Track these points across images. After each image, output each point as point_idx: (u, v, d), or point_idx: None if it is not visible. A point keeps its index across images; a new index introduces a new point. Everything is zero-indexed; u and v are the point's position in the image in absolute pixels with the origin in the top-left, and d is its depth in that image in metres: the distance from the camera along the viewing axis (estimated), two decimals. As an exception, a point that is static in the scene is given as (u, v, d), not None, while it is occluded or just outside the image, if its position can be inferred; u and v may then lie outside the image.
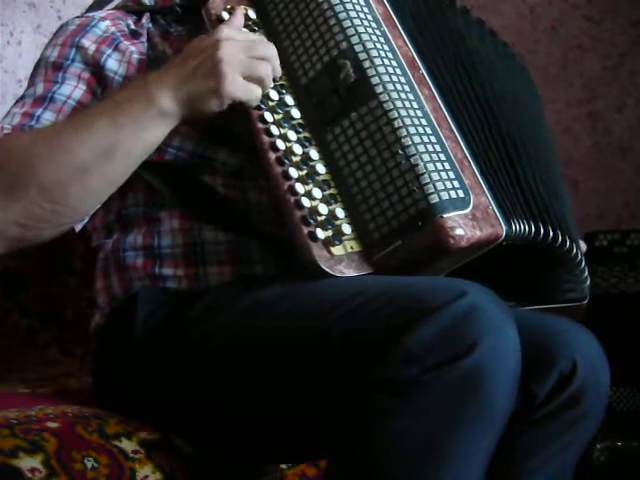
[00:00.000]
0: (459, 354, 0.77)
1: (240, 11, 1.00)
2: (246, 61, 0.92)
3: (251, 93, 0.93)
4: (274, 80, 0.97)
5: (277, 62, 0.96)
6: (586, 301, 1.10)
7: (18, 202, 0.89)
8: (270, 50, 0.95)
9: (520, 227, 0.95)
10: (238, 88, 0.91)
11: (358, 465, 0.79)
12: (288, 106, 0.97)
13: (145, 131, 0.91)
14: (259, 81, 0.93)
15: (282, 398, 0.90)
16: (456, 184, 0.91)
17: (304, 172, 0.93)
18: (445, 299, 0.79)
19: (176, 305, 0.99)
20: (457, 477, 0.78)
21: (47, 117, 0.99)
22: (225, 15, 1.00)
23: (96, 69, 1.03)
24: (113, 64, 1.04)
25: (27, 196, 0.88)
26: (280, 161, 0.93)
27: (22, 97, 1.04)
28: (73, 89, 1.02)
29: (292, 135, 0.95)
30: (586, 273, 1.07)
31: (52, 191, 0.89)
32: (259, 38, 0.97)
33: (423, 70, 0.99)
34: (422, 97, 0.96)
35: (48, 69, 1.04)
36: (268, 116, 0.95)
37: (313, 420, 0.90)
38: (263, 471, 1.07)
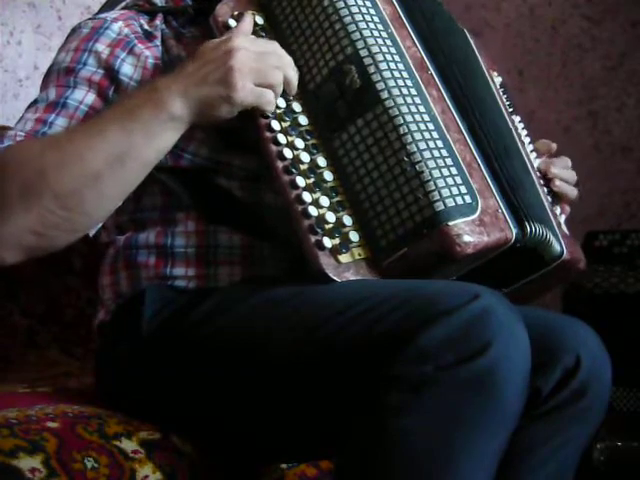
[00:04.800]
0: (472, 354, 0.78)
1: (248, 17, 0.99)
2: (257, 69, 0.92)
3: (262, 97, 0.93)
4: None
5: (290, 70, 0.95)
6: (565, 255, 1.03)
7: (32, 210, 0.89)
8: (283, 59, 0.95)
9: (535, 229, 0.95)
10: (248, 94, 0.92)
11: (368, 462, 0.80)
12: (296, 113, 0.97)
13: (156, 137, 0.92)
14: (270, 87, 0.93)
15: (287, 398, 0.90)
16: (463, 189, 0.91)
17: (311, 180, 0.93)
18: (458, 302, 0.80)
19: (183, 304, 0.99)
20: (466, 476, 0.78)
21: (60, 123, 0.99)
22: (232, 22, 0.99)
23: (110, 73, 1.02)
24: (128, 69, 1.03)
25: (41, 204, 0.89)
26: (287, 170, 0.93)
27: (34, 102, 1.03)
28: (85, 94, 1.01)
29: (300, 143, 0.95)
30: (552, 238, 1.01)
31: (67, 199, 0.89)
32: (272, 48, 0.95)
33: (432, 70, 0.99)
34: (430, 100, 0.95)
35: (61, 74, 1.03)
36: (275, 124, 0.95)
37: (317, 419, 0.90)
38: (263, 471, 1.07)
